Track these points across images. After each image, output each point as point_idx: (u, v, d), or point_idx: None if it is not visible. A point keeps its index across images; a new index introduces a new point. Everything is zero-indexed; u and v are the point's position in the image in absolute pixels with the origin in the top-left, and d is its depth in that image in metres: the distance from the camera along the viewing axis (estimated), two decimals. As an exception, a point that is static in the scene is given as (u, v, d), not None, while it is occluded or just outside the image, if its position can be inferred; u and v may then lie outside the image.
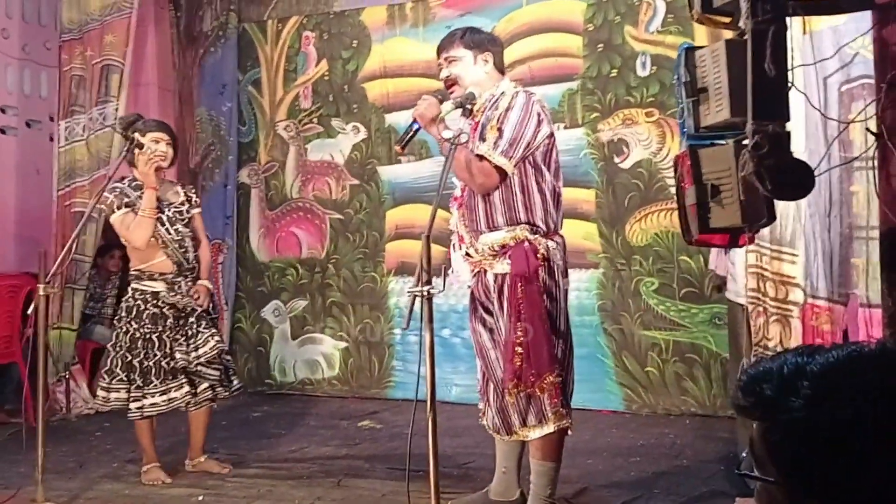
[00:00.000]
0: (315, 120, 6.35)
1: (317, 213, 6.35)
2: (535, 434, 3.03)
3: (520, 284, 2.95)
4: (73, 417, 5.68)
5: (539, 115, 3.01)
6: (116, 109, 5.75)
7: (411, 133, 3.07)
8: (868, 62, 2.99)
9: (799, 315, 3.18)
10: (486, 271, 3.09)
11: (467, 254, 3.14)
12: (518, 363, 2.94)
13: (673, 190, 5.13)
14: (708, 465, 4.06)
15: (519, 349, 2.94)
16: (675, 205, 5.06)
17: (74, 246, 4.65)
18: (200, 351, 3.99)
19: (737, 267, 3.41)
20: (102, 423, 5.34)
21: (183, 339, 3.96)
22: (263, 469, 4.25)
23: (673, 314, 5.17)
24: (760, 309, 3.19)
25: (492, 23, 5.67)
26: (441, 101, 3.07)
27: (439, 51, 3.18)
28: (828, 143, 3.16)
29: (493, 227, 3.04)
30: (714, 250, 3.44)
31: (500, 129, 2.98)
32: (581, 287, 5.42)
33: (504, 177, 2.99)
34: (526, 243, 2.98)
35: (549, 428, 3.01)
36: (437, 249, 3.36)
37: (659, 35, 5.21)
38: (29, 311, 3.56)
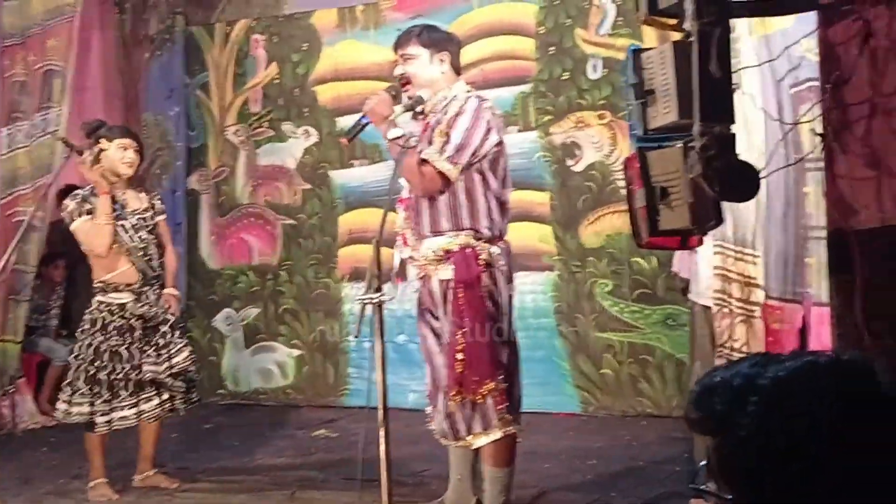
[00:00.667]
0: (265, 124, 6.25)
1: (268, 218, 6.26)
2: (480, 441, 3.01)
3: (462, 290, 2.92)
4: (19, 432, 5.52)
5: (488, 122, 2.98)
6: (59, 115, 5.61)
7: (360, 127, 3.03)
8: (814, 65, 3.02)
9: (760, 315, 3.21)
10: (430, 277, 3.06)
11: (411, 257, 3.10)
12: (459, 370, 2.93)
13: (625, 192, 5.16)
14: (664, 465, 4.08)
15: (460, 356, 2.92)
16: (626, 207, 5.11)
17: (15, 256, 4.50)
18: (174, 360, 3.92)
19: (700, 267, 3.42)
20: (49, 437, 5.20)
21: (153, 349, 3.88)
22: (214, 483, 4.16)
23: (626, 316, 5.19)
24: (726, 310, 3.21)
25: (443, 25, 5.60)
26: (395, 97, 3.02)
27: (396, 47, 3.14)
28: (785, 145, 3.20)
29: (437, 232, 3.02)
30: (678, 252, 3.46)
31: (447, 135, 2.95)
32: (536, 289, 5.42)
33: (448, 183, 2.96)
34: (468, 249, 2.96)
35: (496, 434, 2.98)
36: (389, 254, 3.30)
37: (609, 38, 5.22)
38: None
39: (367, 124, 3.01)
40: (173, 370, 3.89)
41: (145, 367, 3.84)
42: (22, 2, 5.91)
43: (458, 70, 3.17)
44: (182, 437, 5.03)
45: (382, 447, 2.56)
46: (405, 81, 3.07)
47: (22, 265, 5.42)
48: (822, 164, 2.87)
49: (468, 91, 3.12)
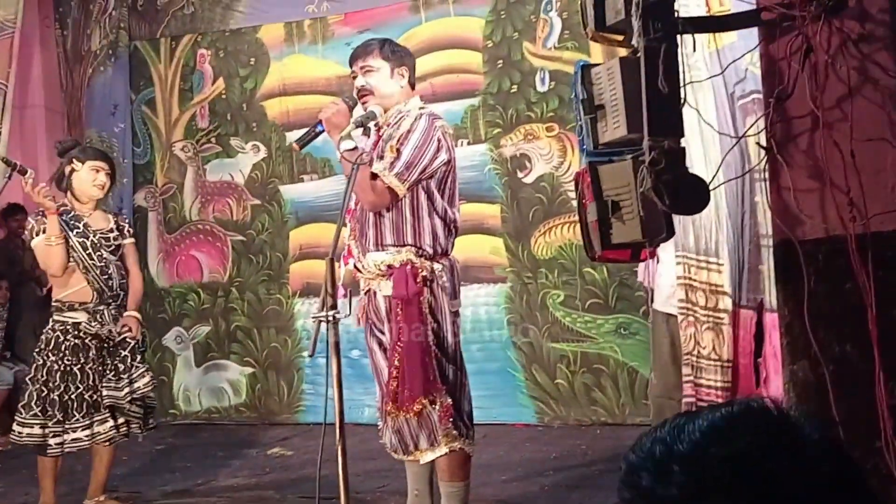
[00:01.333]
0: (213, 139, 6.19)
1: (218, 234, 6.18)
2: (428, 457, 3.00)
3: (399, 306, 2.92)
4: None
5: (440, 140, 2.97)
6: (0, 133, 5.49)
7: (313, 135, 3.01)
8: (757, 78, 3.11)
9: (729, 322, 3.28)
10: (375, 292, 3.05)
11: (357, 269, 3.10)
12: (394, 385, 2.93)
13: (575, 203, 5.22)
14: (619, 474, 4.11)
15: (395, 371, 2.92)
16: (577, 218, 5.16)
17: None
18: (135, 385, 3.82)
19: (663, 277, 3.48)
20: (6, 460, 5.04)
21: (112, 373, 3.79)
22: (168, 506, 4.08)
23: (579, 326, 5.23)
24: (691, 319, 3.26)
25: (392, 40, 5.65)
26: (352, 108, 3.01)
27: (354, 59, 3.11)
28: (740, 157, 3.27)
29: (380, 246, 3.01)
30: (642, 263, 3.51)
31: (398, 151, 2.95)
32: (490, 301, 5.44)
33: (396, 198, 2.96)
34: (409, 266, 2.94)
35: (442, 450, 2.97)
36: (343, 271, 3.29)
37: (556, 51, 5.29)
38: None
39: (321, 132, 2.99)
40: (133, 395, 3.81)
41: (105, 393, 3.76)
42: (-42, 18, 5.77)
43: (413, 86, 3.18)
44: (133, 460, 4.92)
45: (340, 465, 2.53)
46: (365, 93, 3.06)
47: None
48: (753, 167, 2.96)
49: (422, 107, 3.12)
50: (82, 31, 6.32)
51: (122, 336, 3.83)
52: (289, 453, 5.08)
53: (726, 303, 3.28)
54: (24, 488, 4.36)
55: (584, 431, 5.07)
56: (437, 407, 2.92)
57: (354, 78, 3.12)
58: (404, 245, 2.97)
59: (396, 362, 2.91)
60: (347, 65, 5.65)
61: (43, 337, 3.86)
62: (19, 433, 3.77)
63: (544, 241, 5.33)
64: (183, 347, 6.24)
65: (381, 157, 2.97)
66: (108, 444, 3.85)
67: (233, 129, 6.13)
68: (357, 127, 2.98)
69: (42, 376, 3.76)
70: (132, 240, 4.06)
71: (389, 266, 2.96)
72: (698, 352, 3.32)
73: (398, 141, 2.97)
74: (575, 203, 5.20)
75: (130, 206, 6.29)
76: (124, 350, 3.85)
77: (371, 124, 3.04)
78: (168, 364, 6.25)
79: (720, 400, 3.23)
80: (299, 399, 5.94)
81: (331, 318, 2.53)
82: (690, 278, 3.36)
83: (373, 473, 4.30)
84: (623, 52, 4.27)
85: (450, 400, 2.94)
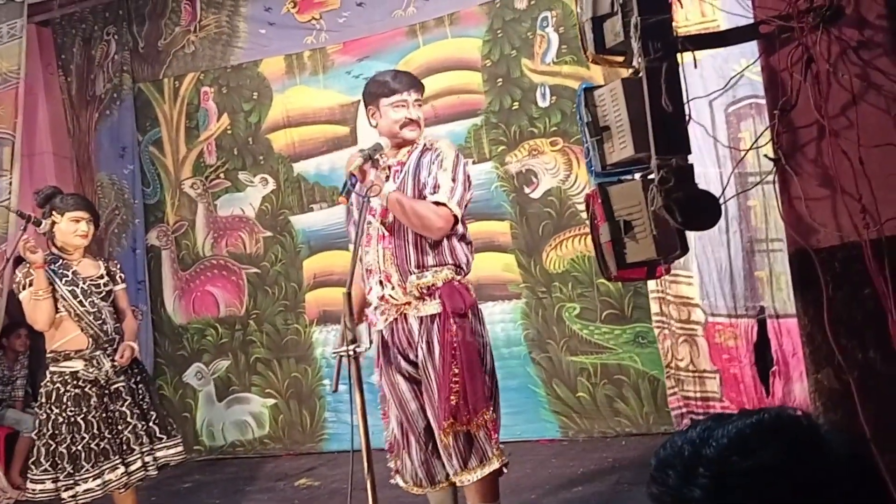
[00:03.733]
0: (222, 175, 6.23)
1: (232, 268, 6.22)
2: (477, 475, 2.99)
3: (455, 322, 2.96)
4: (-10, 510, 5.38)
5: (466, 165, 3.17)
6: (10, 183, 5.54)
7: (350, 185, 3.03)
8: (754, 83, 3.12)
9: (703, 334, 3.26)
10: (406, 316, 3.04)
11: (390, 296, 3.06)
12: (454, 401, 2.93)
13: (584, 215, 5.23)
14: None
15: (455, 387, 2.93)
16: (587, 230, 5.16)
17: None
18: (160, 454, 3.88)
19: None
20: (22, 513, 5.06)
21: (139, 441, 3.83)
22: (199, 544, 4.09)
23: (597, 337, 5.22)
24: (667, 332, 3.26)
25: (390, 65, 5.68)
26: (369, 158, 3.04)
27: (410, 88, 3.15)
28: (719, 164, 3.27)
29: (422, 268, 3.04)
30: None
31: (453, 180, 3.05)
32: (506, 318, 5.44)
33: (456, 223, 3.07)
34: (455, 282, 3.02)
35: (494, 465, 3.00)
36: (360, 298, 3.29)
37: (555, 66, 5.30)
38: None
39: (355, 183, 3.01)
40: (159, 463, 3.86)
41: (131, 459, 3.79)
42: (-37, 72, 5.85)
43: None
44: (161, 498, 4.94)
45: (370, 499, 2.55)
46: (417, 125, 3.14)
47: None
48: (763, 179, 2.96)
49: (433, 138, 3.25)
50: (86, 77, 6.39)
51: (127, 382, 3.84)
52: (316, 483, 5.08)
53: (698, 315, 3.27)
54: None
55: (610, 443, 5.05)
56: (488, 423, 2.97)
57: (406, 105, 3.13)
58: (445, 264, 3.04)
59: (455, 378, 2.93)
60: (349, 92, 5.80)
61: (42, 390, 3.85)
62: (33, 490, 3.77)
63: (556, 255, 5.33)
64: (204, 383, 6.26)
65: (436, 187, 3.02)
66: (122, 490, 3.82)
67: (240, 164, 6.17)
68: (365, 160, 3.01)
69: (48, 430, 3.74)
70: (123, 285, 4.04)
71: (431, 286, 3.01)
72: (676, 364, 3.31)
73: (452, 171, 3.07)
74: (584, 216, 5.23)
75: (143, 245, 6.33)
76: (150, 422, 3.89)
77: (377, 156, 3.07)
78: (190, 400, 6.28)
79: (710, 411, 3.22)
80: (323, 428, 5.95)
81: (352, 353, 2.55)
82: (663, 291, 3.35)
83: (401, 499, 4.30)
84: (623, 71, 4.30)
85: (495, 415, 2.99)
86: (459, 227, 3.09)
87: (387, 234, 3.08)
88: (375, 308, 3.14)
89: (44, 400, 3.80)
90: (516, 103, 5.41)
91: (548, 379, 5.33)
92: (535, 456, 4.92)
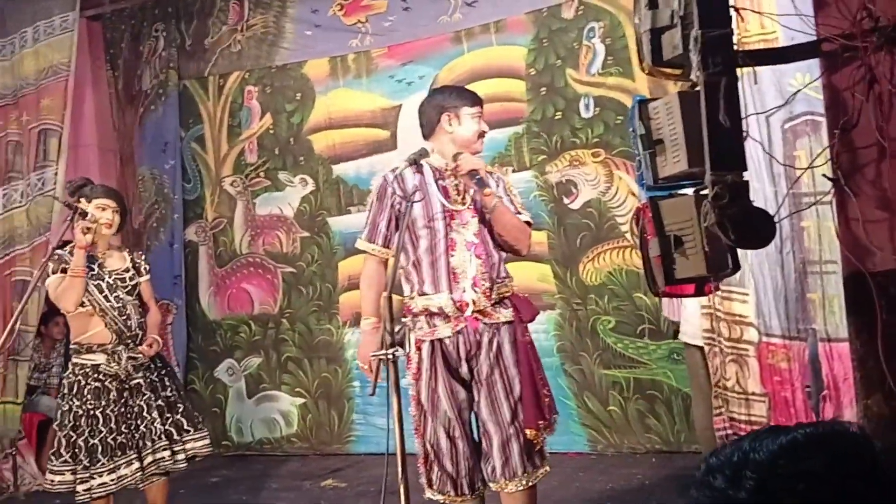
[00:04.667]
0: (262, 174, 6.28)
1: (268, 267, 6.26)
2: (529, 482, 3.02)
3: (525, 329, 3.08)
4: (22, 496, 5.46)
5: None
6: (56, 174, 5.63)
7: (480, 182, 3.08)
8: (811, 100, 3.07)
9: (755, 354, 3.20)
10: (476, 323, 3.03)
11: (473, 301, 3.03)
12: (547, 399, 3.05)
13: (624, 228, 5.20)
14: (679, 502, 4.04)
15: (545, 390, 3.06)
16: (626, 242, 5.14)
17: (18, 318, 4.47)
18: (188, 446, 3.88)
19: (688, 310, 3.43)
20: (52, 500, 5.10)
21: (165, 436, 3.82)
22: (227, 541, 4.11)
23: (631, 352, 5.18)
24: (717, 349, 3.21)
25: (434, 71, 5.71)
26: (414, 163, 3.08)
27: (481, 104, 3.24)
28: (774, 182, 3.23)
29: (500, 277, 3.13)
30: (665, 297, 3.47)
31: (511, 198, 3.21)
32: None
33: None
34: (519, 293, 3.17)
35: (545, 468, 3.09)
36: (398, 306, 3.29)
37: (600, 77, 5.28)
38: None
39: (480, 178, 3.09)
40: (187, 455, 3.87)
41: (156, 456, 3.80)
42: (14, 62, 5.97)
43: None
44: (189, 492, 4.97)
45: (403, 503, 2.54)
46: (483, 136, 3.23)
47: (22, 325, 5.39)
48: (818, 198, 2.90)
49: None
50: (133, 72, 6.47)
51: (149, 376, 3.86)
52: (342, 485, 5.09)
53: (751, 334, 3.21)
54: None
55: (639, 460, 5.00)
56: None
57: (482, 117, 3.23)
58: (509, 276, 3.17)
59: (537, 382, 3.02)
60: (392, 96, 5.83)
61: (65, 382, 3.86)
62: (51, 481, 3.77)
63: (593, 267, 5.30)
64: (235, 379, 6.30)
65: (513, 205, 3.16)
66: (144, 484, 3.83)
67: (281, 164, 6.22)
68: (409, 165, 3.02)
69: (69, 422, 3.74)
70: (147, 277, 4.02)
71: (503, 295, 3.09)
72: (724, 384, 3.26)
73: (511, 192, 3.24)
74: (623, 228, 5.20)
75: (181, 240, 6.40)
76: (177, 413, 3.89)
77: (421, 161, 3.08)
78: (220, 396, 6.32)
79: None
80: (350, 429, 5.96)
81: (391, 357, 2.54)
82: (715, 308, 3.30)
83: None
84: (670, 82, 4.26)
85: None
86: None
87: (477, 241, 3.08)
88: (440, 315, 3.05)
89: (66, 391, 3.81)
90: (559, 113, 5.40)
91: (579, 391, 5.30)
92: (563, 469, 4.88)
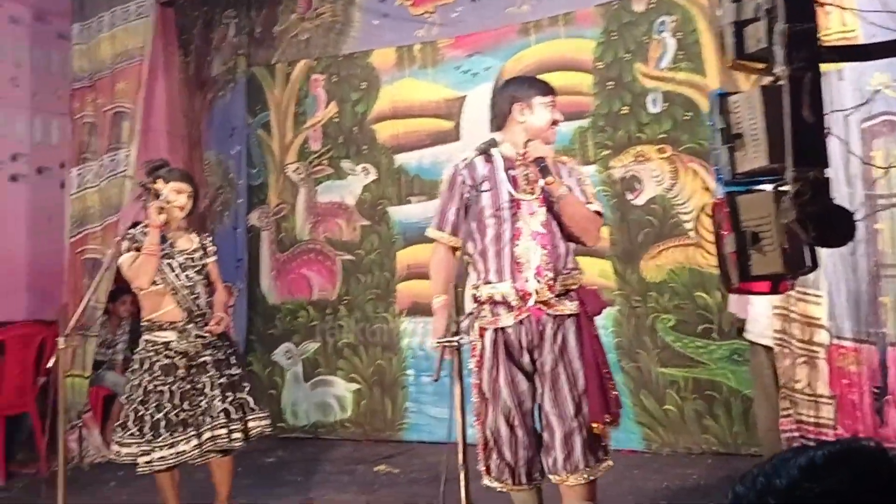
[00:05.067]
0: (325, 162, 6.36)
1: (328, 254, 6.34)
2: (591, 475, 3.00)
3: (591, 322, 3.06)
4: (86, 466, 5.63)
5: None
6: (128, 156, 5.78)
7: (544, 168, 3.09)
8: (889, 100, 3.00)
9: (825, 356, 3.14)
10: (539, 314, 3.02)
11: (536, 291, 3.04)
12: (613, 393, 3.03)
13: (688, 226, 5.14)
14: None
15: (610, 383, 3.03)
16: (689, 240, 5.08)
17: (94, 294, 4.59)
18: (249, 426, 3.95)
19: (756, 308, 3.38)
20: (116, 472, 5.26)
21: (224, 414, 3.88)
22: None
23: (690, 351, 5.12)
24: (787, 350, 3.16)
25: (500, 62, 5.71)
26: (484, 153, 3.09)
27: (553, 93, 3.21)
28: (849, 183, 3.16)
29: (567, 268, 3.10)
30: (733, 294, 3.41)
31: (585, 184, 3.18)
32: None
33: None
34: (587, 286, 3.13)
35: (608, 462, 3.07)
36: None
37: (670, 72, 5.22)
38: (49, 364, 3.51)
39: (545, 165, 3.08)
40: (248, 435, 3.94)
41: (213, 434, 3.85)
42: (91, 46, 6.13)
43: None
44: (245, 471, 5.06)
45: (463, 491, 2.56)
46: (556, 125, 3.21)
47: (92, 301, 5.54)
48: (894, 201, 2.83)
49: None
50: (204, 58, 6.60)
51: (234, 375, 3.93)
52: (395, 471, 5.14)
53: (823, 336, 3.15)
54: (147, 496, 4.54)
55: (695, 460, 4.95)
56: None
57: (555, 106, 3.19)
58: (578, 268, 3.14)
59: (601, 376, 3.00)
60: (457, 87, 5.84)
61: (135, 357, 3.96)
62: (118, 452, 3.88)
63: (654, 264, 5.25)
64: (292, 363, 6.40)
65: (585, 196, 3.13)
66: (202, 460, 3.90)
67: (344, 152, 6.28)
68: (479, 154, 3.03)
69: (138, 396, 3.84)
70: (214, 258, 4.10)
71: (570, 287, 3.06)
72: (792, 386, 3.20)
73: (590, 187, 3.22)
74: (687, 226, 5.14)
75: (244, 225, 6.51)
76: (241, 392, 3.95)
77: (490, 150, 3.08)
78: (277, 378, 6.43)
79: (823, 438, 3.11)
80: (403, 417, 6.01)
81: (455, 344, 2.56)
82: (788, 309, 3.24)
83: (477, 494, 4.29)
84: (741, 75, 4.19)
85: None
86: None
87: (543, 231, 3.07)
88: (503, 304, 3.06)
89: (137, 366, 3.91)
90: (626, 107, 5.35)
91: (635, 389, 5.26)
92: (616, 465, 4.77)
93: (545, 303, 3.01)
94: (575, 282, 3.08)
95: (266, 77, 6.56)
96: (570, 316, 3.03)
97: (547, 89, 3.16)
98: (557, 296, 3.01)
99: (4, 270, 6.25)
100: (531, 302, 3.01)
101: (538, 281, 3.01)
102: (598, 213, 3.12)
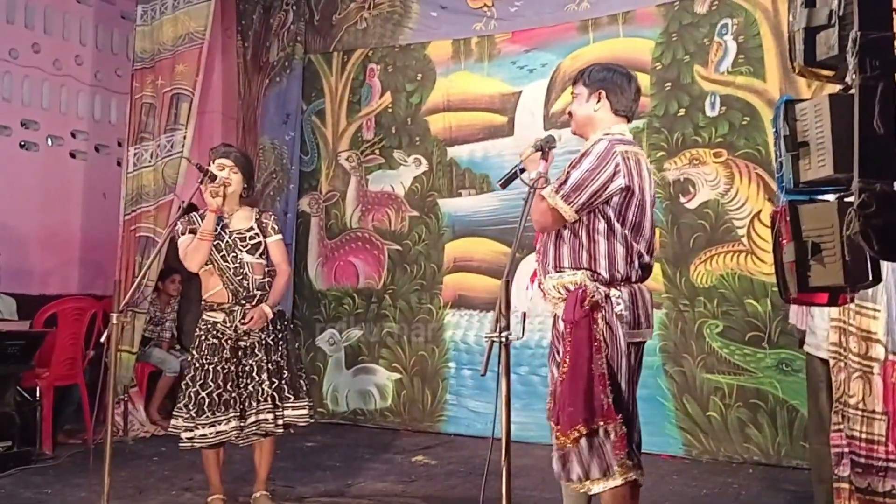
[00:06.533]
0: (377, 151, 6.39)
1: (375, 243, 6.37)
2: (598, 487, 2.90)
3: (569, 331, 2.88)
4: (130, 440, 5.74)
5: (617, 165, 2.89)
6: (185, 137, 5.86)
7: (512, 173, 3.02)
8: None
9: (879, 372, 3.07)
10: (558, 317, 3.03)
11: (542, 290, 3.09)
12: (556, 408, 2.90)
13: (740, 232, 5.06)
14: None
15: (555, 396, 2.91)
16: (742, 247, 5.01)
17: (148, 271, 4.68)
18: (288, 414, 3.95)
19: (816, 320, 3.31)
20: (159, 447, 5.38)
21: (269, 400, 3.89)
22: (322, 504, 4.23)
23: (738, 358, 5.05)
24: (842, 364, 3.09)
25: (558, 59, 5.68)
26: (541, 149, 3.03)
27: (571, 84, 3.18)
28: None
29: (558, 269, 2.99)
30: (794, 304, 3.34)
31: (568, 174, 2.93)
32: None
33: (563, 221, 2.94)
34: (580, 290, 2.89)
35: (616, 481, 2.87)
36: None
37: (729, 75, 5.14)
38: (102, 339, 3.58)
39: (522, 171, 3.00)
40: (287, 421, 3.95)
41: (258, 417, 3.89)
42: (153, 27, 6.23)
43: (621, 113, 3.07)
44: (285, 455, 5.13)
45: (504, 486, 2.56)
46: (570, 116, 3.12)
47: (144, 279, 5.64)
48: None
49: (616, 133, 3.03)
50: (262, 43, 6.68)
51: (263, 339, 3.93)
52: (432, 462, 5.16)
53: (878, 351, 3.06)
54: (189, 472, 4.63)
55: (736, 469, 4.89)
56: (613, 436, 2.85)
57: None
58: (580, 268, 2.94)
59: (559, 387, 2.88)
60: (512, 83, 5.83)
61: (196, 335, 3.98)
62: (174, 426, 3.92)
63: (704, 269, 5.19)
64: (335, 349, 6.46)
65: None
66: (244, 442, 3.92)
67: (396, 142, 6.31)
68: (536, 150, 2.99)
69: (189, 373, 3.90)
70: (277, 237, 4.00)
71: (565, 289, 2.94)
72: (846, 401, 3.12)
73: (570, 164, 2.96)
74: (740, 232, 5.07)
75: (295, 210, 6.58)
76: (281, 380, 3.95)
77: (547, 148, 3.04)
78: (320, 364, 6.49)
79: (873, 454, 3.04)
80: (442, 409, 6.03)
81: (503, 339, 2.55)
82: (846, 322, 3.16)
83: (517, 491, 4.29)
84: (801, 81, 4.09)
85: (625, 429, 2.87)
86: (619, 231, 2.93)
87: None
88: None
89: (196, 345, 3.95)
90: (682, 109, 5.28)
91: (678, 393, 5.21)
92: (656, 470, 4.81)
93: (552, 304, 3.03)
94: (567, 284, 2.95)
95: (322, 65, 6.61)
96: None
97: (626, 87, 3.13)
98: (559, 297, 2.97)
99: (60, 245, 6.41)
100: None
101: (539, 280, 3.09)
102: (542, 197, 2.91)
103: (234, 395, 3.88)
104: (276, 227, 4.04)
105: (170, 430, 3.99)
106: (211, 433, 3.84)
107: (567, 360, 2.86)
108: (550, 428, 2.98)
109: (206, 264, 3.89)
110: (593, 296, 2.87)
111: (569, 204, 2.88)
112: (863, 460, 3.06)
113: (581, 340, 2.84)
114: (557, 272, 2.98)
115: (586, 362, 2.83)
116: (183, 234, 3.90)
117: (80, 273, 6.54)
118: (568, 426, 2.83)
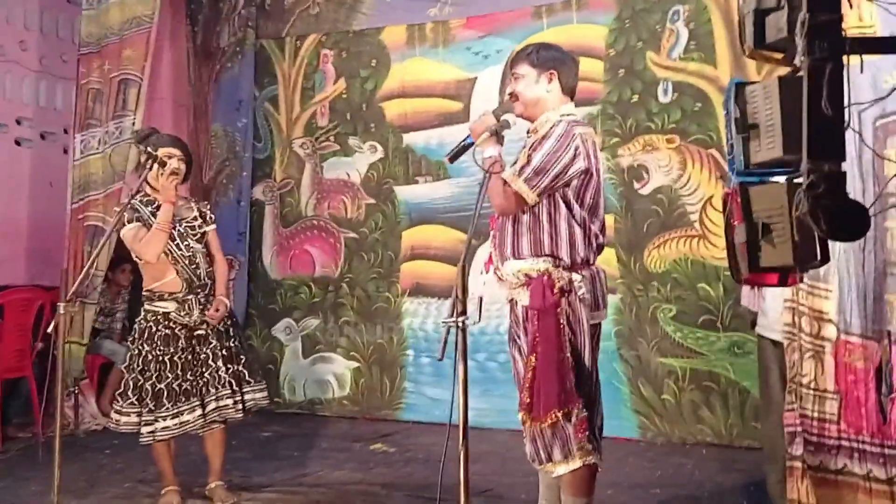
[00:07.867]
0: (332, 138, 6.33)
1: (331, 231, 6.32)
2: (561, 469, 2.94)
3: (536, 318, 2.88)
4: (82, 433, 5.64)
5: (577, 148, 2.90)
6: (133, 123, 5.74)
7: (462, 147, 3.00)
8: (904, 97, 2.97)
9: (832, 351, 3.14)
10: (516, 302, 3.03)
11: (498, 278, 3.08)
12: (527, 396, 2.89)
13: (693, 217, 5.12)
14: (728, 497, 4.02)
15: (528, 383, 2.89)
16: (694, 232, 5.07)
17: (94, 262, 4.58)
18: (247, 398, 3.96)
19: (767, 301, 3.37)
20: (111, 440, 5.27)
21: (225, 385, 3.89)
22: (279, 494, 4.19)
23: (690, 342, 5.13)
24: (796, 344, 3.15)
25: (512, 44, 5.65)
26: (499, 118, 2.98)
27: (511, 65, 3.13)
28: (863, 179, 3.14)
29: (517, 255, 2.98)
30: (746, 286, 3.39)
31: (529, 157, 2.93)
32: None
33: (525, 205, 2.94)
34: (545, 277, 2.90)
35: (575, 464, 2.91)
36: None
37: (681, 62, 5.19)
38: (49, 330, 3.50)
39: (470, 144, 2.98)
40: (245, 406, 3.94)
41: (217, 405, 3.87)
42: (100, 11, 6.07)
43: (569, 91, 3.11)
44: (241, 445, 5.09)
45: (462, 471, 2.55)
46: (514, 99, 3.07)
47: (92, 269, 5.52)
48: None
49: (568, 114, 3.05)
50: (212, 28, 6.56)
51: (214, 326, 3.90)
52: (391, 450, 5.15)
53: (830, 331, 3.13)
54: (142, 465, 4.56)
55: (689, 451, 4.96)
56: (574, 420, 2.86)
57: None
58: (541, 255, 2.93)
59: (530, 374, 2.87)
60: (468, 69, 5.82)
61: (136, 327, 3.94)
62: (117, 421, 3.88)
63: (658, 254, 5.24)
64: (292, 338, 6.41)
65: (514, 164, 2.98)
66: (204, 430, 3.90)
67: (351, 129, 6.26)
68: (491, 135, 2.97)
69: (138, 365, 3.84)
70: (214, 226, 4.05)
71: (527, 276, 2.94)
72: (799, 380, 3.19)
73: (531, 147, 2.96)
74: (692, 217, 5.13)
75: (248, 199, 6.50)
76: (238, 364, 3.95)
77: (504, 132, 3.03)
78: (276, 354, 6.43)
79: (825, 433, 3.10)
80: (401, 396, 6.02)
81: (460, 324, 2.55)
82: (798, 302, 3.22)
83: (477, 476, 4.27)
84: (752, 67, 4.13)
85: (585, 413, 2.90)
86: (578, 213, 2.95)
87: (495, 215, 3.04)
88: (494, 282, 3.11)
89: (136, 336, 3.91)
90: (636, 96, 5.32)
91: (633, 377, 5.27)
92: (612, 453, 4.76)
93: (511, 290, 3.04)
94: (529, 271, 2.95)
95: (275, 50, 6.53)
96: (525, 308, 2.96)
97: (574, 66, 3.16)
98: (519, 285, 2.98)
99: (5, 235, 6.25)
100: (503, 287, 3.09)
101: (490, 268, 3.08)
102: (504, 181, 2.93)
103: (192, 383, 3.86)
104: (213, 217, 4.10)
105: (120, 428, 3.89)
106: (174, 424, 3.82)
107: (537, 348, 2.87)
108: (521, 418, 2.97)
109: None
110: (559, 282, 2.89)
111: (531, 188, 2.89)
112: (815, 439, 3.12)
113: (549, 327, 2.86)
114: (517, 259, 2.98)
115: (556, 350, 2.85)
116: (130, 221, 3.83)
117: (27, 263, 6.38)
118: (544, 412, 2.85)
